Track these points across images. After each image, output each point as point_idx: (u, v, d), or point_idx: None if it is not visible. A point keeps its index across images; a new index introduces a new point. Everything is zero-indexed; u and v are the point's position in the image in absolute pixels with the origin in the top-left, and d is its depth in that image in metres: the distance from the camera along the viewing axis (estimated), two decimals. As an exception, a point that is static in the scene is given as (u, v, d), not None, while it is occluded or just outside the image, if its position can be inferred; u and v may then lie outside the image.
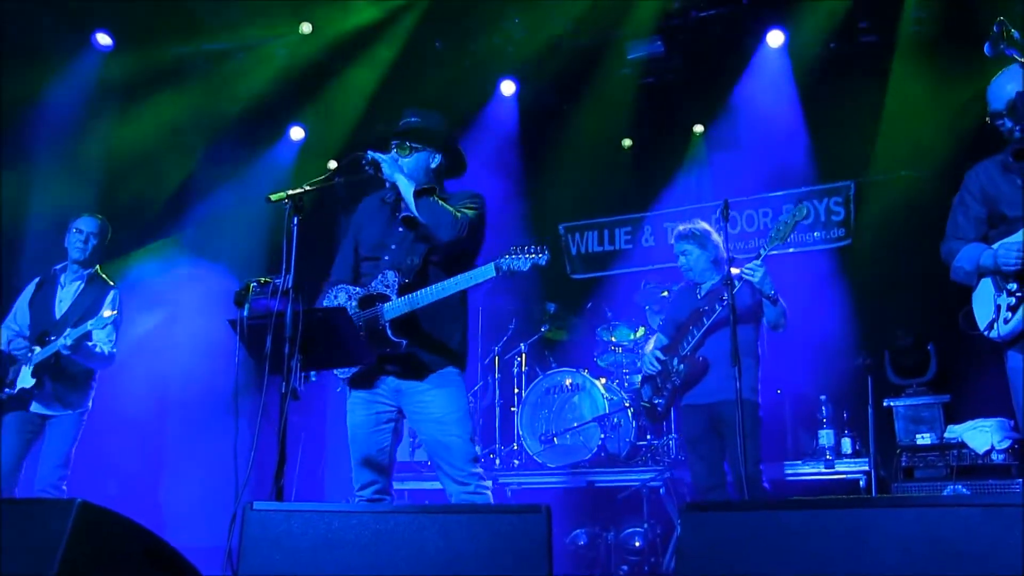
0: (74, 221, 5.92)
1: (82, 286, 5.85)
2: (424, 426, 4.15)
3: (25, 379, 5.59)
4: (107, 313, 5.51)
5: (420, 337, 4.10)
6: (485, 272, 3.89)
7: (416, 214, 4.11)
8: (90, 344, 5.61)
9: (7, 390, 5.61)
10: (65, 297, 5.84)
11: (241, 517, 2.86)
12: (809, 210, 8.19)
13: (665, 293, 7.48)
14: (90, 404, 5.82)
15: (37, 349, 5.62)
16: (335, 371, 4.22)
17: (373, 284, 4.14)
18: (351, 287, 4.22)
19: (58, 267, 5.94)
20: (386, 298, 4.07)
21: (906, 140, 7.76)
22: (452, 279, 3.97)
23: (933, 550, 2.32)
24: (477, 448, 4.15)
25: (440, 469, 4.14)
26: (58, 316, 5.77)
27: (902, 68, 7.80)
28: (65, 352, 5.50)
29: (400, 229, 4.26)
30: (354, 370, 4.16)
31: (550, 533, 2.69)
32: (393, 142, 4.31)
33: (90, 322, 5.47)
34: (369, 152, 4.15)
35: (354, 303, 4.14)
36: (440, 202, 4.17)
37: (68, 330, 5.49)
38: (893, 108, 7.83)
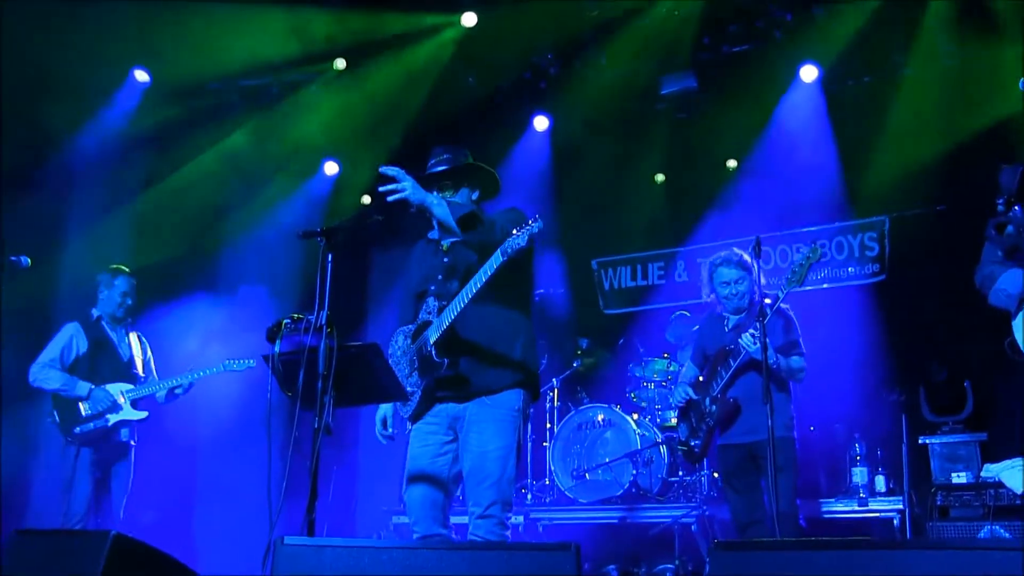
0: (112, 278, 6.21)
1: (129, 332, 6.37)
2: (464, 455, 4.11)
3: (130, 412, 6.07)
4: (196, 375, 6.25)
5: (472, 354, 4.10)
6: (495, 261, 3.83)
7: (457, 231, 4.06)
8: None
9: (94, 423, 5.95)
10: (121, 342, 6.26)
11: (272, 551, 2.88)
12: (825, 251, 8.23)
13: (696, 328, 7.44)
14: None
15: (128, 386, 6.08)
16: (401, 413, 4.26)
17: (420, 315, 4.24)
18: (407, 327, 4.32)
19: (95, 314, 6.22)
20: (430, 324, 4.14)
21: (941, 174, 7.68)
22: (470, 280, 3.95)
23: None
24: (510, 490, 4.04)
25: (467, 499, 4.14)
26: (124, 359, 6.22)
27: (931, 99, 7.75)
28: (178, 392, 6.18)
29: (446, 260, 4.31)
30: (413, 407, 4.18)
31: (580, 571, 2.68)
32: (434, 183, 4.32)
33: (199, 371, 6.23)
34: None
35: (408, 340, 4.25)
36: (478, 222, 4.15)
37: (186, 375, 6.20)
38: (925, 141, 7.76)
